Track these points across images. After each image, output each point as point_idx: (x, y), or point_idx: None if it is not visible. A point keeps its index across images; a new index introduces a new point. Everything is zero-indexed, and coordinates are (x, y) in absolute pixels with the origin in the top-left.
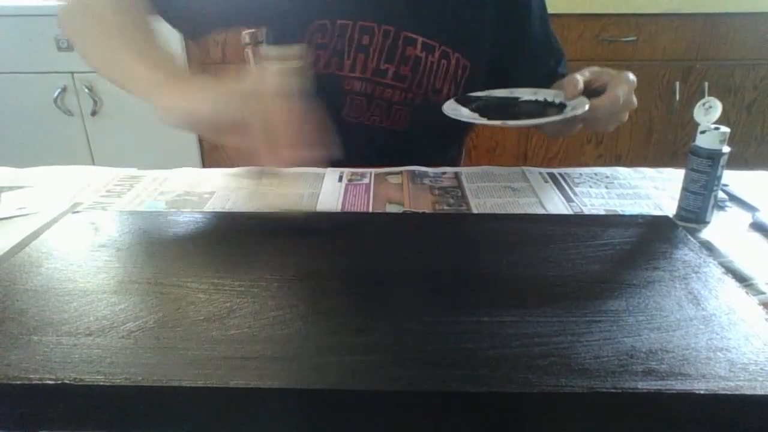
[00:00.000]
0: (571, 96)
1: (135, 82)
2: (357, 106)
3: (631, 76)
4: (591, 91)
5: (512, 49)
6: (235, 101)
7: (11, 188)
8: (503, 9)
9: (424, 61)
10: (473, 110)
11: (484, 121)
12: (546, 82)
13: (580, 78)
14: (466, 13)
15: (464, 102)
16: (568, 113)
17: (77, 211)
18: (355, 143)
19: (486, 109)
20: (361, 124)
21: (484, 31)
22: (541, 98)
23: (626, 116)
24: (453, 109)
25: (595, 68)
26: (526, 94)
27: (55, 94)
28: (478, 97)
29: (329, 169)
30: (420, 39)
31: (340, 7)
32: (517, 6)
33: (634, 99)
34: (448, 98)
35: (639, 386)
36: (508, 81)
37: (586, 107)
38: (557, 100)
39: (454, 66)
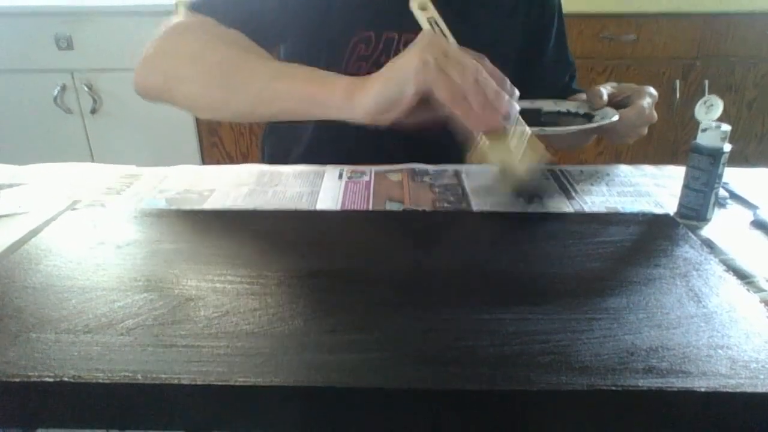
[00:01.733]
0: (598, 106)
1: (303, 102)
2: None
3: (653, 91)
4: (613, 104)
5: (532, 59)
6: (411, 65)
7: (10, 186)
8: (532, 18)
9: None
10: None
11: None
12: (559, 96)
13: (604, 90)
14: (500, 20)
15: None
16: (601, 122)
17: (76, 209)
18: (385, 145)
19: None
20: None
21: (514, 40)
22: (563, 109)
23: (646, 130)
24: None
25: (615, 83)
26: (547, 105)
27: (55, 92)
28: None
29: (329, 167)
30: None
31: (385, 19)
32: (544, 16)
33: (655, 113)
34: None
35: (639, 384)
36: (524, 91)
37: (616, 117)
38: (581, 111)
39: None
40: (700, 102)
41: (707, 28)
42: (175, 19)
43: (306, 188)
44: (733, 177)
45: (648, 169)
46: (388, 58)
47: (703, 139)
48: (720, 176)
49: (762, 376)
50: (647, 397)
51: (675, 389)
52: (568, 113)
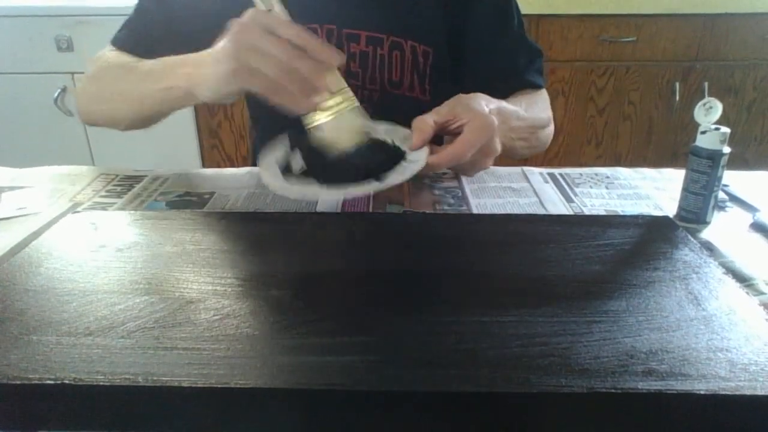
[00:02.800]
0: (415, 147)
1: (167, 91)
2: None
3: (491, 120)
4: (447, 132)
5: (460, 41)
6: (231, 50)
7: (11, 188)
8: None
9: (371, 55)
10: (305, 156)
11: (286, 192)
12: (508, 86)
13: (431, 121)
14: (422, 3)
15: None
16: (389, 181)
17: (77, 212)
18: None
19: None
20: None
21: (435, 15)
22: (390, 140)
23: (490, 162)
24: (270, 164)
25: (463, 101)
26: (381, 132)
27: (55, 94)
28: None
29: None
30: (364, 33)
31: (311, 13)
32: None
33: (497, 145)
34: (410, 89)
35: (639, 386)
36: (466, 75)
37: (406, 176)
38: (405, 146)
39: (410, 55)
40: (700, 104)
41: (707, 29)
42: (99, 53)
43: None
44: (733, 180)
45: (647, 171)
46: None
47: (703, 142)
48: (719, 179)
49: (761, 379)
50: (647, 400)
51: (674, 392)
52: (393, 147)
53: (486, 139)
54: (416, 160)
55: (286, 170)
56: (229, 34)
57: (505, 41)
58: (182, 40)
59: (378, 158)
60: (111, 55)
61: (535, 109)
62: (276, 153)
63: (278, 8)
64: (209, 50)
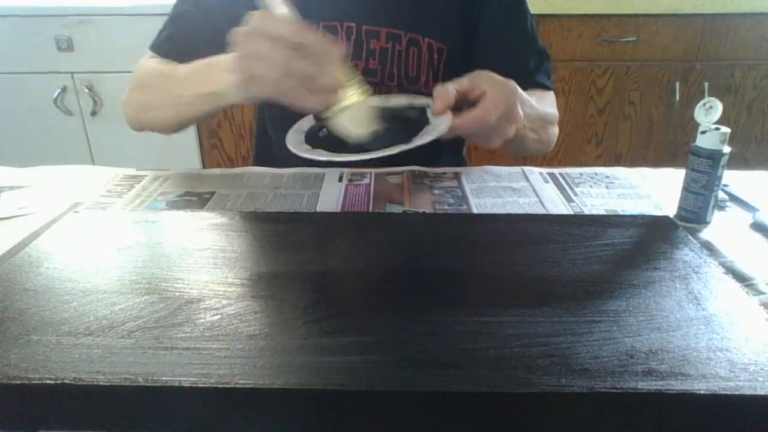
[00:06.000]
0: (437, 112)
1: (208, 96)
2: None
3: (512, 87)
4: (469, 102)
5: (474, 39)
6: (233, 61)
7: (11, 188)
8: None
9: (390, 51)
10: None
11: (315, 156)
12: (519, 85)
13: (452, 89)
14: (431, 5)
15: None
16: (415, 141)
17: (77, 211)
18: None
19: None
20: None
21: (452, 13)
22: (412, 110)
23: (512, 130)
24: (296, 140)
25: (483, 73)
26: (402, 103)
27: (55, 94)
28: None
29: (329, 170)
30: (383, 30)
31: (302, 10)
32: None
33: (519, 111)
34: (425, 85)
35: (639, 386)
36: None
37: (432, 137)
38: (427, 114)
39: (426, 51)
40: (700, 104)
41: (707, 29)
42: (140, 61)
43: (306, 191)
44: (733, 179)
45: (647, 171)
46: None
47: (703, 142)
48: (719, 179)
49: (761, 379)
50: (647, 400)
51: (674, 392)
52: (415, 116)
53: (508, 103)
54: (440, 124)
55: (313, 139)
56: (232, 44)
57: (517, 42)
58: (221, 43)
59: (400, 127)
60: (151, 62)
61: (544, 104)
62: (302, 123)
63: (281, 8)
64: (223, 59)
